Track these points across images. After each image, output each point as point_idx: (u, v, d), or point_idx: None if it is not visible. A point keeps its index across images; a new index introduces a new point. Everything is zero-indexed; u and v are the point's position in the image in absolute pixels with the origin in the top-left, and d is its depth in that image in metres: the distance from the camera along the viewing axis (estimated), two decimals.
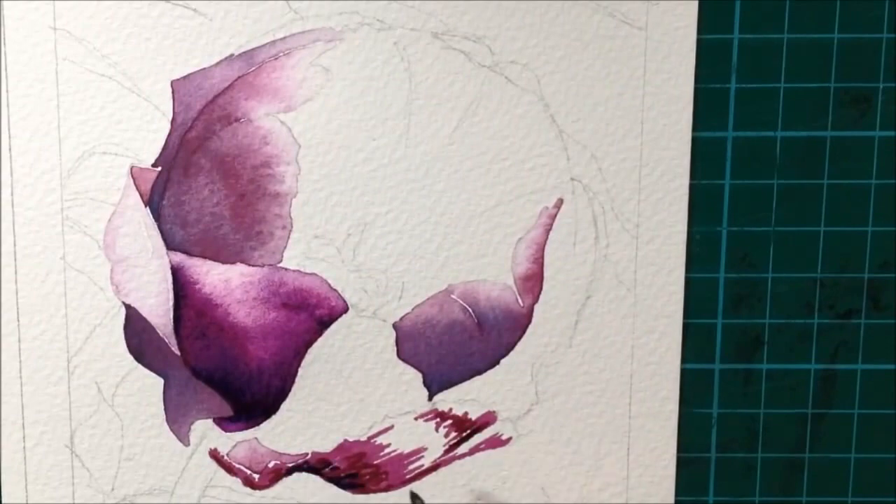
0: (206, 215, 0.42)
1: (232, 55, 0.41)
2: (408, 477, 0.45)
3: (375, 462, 0.45)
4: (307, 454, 0.44)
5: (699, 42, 0.42)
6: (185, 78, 0.41)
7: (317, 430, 0.44)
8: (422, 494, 0.45)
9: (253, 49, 0.41)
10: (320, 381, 0.44)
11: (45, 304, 0.43)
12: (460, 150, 0.42)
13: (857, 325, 0.45)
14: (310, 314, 0.43)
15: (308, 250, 0.43)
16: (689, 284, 0.44)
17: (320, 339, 0.44)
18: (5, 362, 0.43)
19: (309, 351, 0.44)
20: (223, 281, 0.43)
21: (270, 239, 0.43)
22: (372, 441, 0.44)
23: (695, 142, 0.43)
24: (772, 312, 0.44)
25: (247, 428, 0.44)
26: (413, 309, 0.43)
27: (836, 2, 0.42)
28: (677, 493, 0.45)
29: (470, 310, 0.44)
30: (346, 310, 0.43)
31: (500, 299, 0.43)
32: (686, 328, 0.44)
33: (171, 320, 0.43)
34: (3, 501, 0.44)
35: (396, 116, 0.42)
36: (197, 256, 0.42)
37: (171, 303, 0.43)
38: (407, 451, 0.45)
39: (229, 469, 0.44)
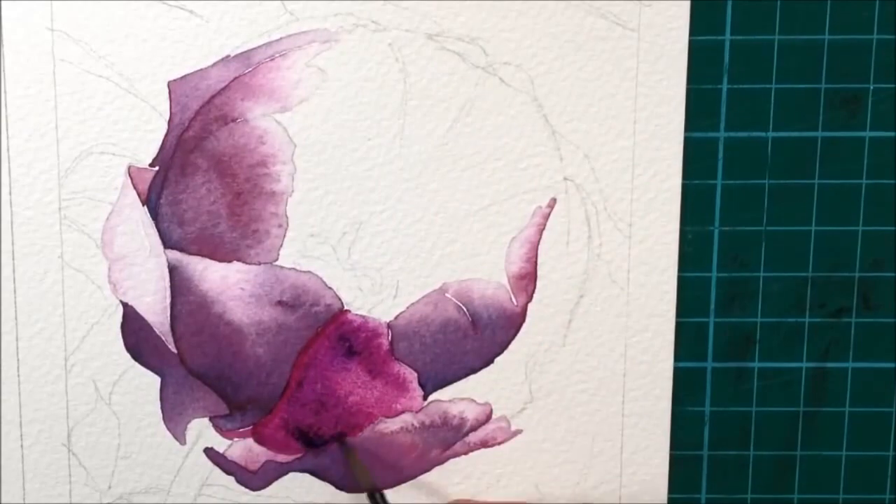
0: (202, 214, 0.42)
1: (228, 56, 0.41)
2: (402, 475, 0.45)
3: (370, 461, 0.45)
4: (302, 453, 0.45)
5: (691, 43, 0.42)
6: (181, 79, 0.42)
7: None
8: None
9: (249, 50, 0.41)
10: None
11: (42, 302, 0.43)
12: (454, 149, 0.43)
13: (848, 323, 0.45)
14: (305, 312, 0.43)
15: (304, 249, 0.43)
16: (682, 283, 0.44)
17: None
18: (3, 361, 0.43)
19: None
20: (220, 279, 0.43)
21: (266, 237, 0.43)
22: (367, 440, 0.45)
23: (687, 142, 0.43)
24: (763, 311, 0.45)
25: (242, 426, 0.44)
26: (408, 307, 0.44)
27: (826, 3, 0.43)
28: (670, 490, 0.46)
29: (464, 308, 0.44)
30: (341, 308, 0.43)
31: (494, 298, 0.44)
32: (678, 327, 0.44)
33: (168, 318, 0.43)
34: (1, 500, 0.44)
35: (391, 116, 0.42)
36: (194, 255, 0.43)
37: (168, 301, 0.43)
38: (401, 449, 0.45)
39: (225, 468, 0.45)
